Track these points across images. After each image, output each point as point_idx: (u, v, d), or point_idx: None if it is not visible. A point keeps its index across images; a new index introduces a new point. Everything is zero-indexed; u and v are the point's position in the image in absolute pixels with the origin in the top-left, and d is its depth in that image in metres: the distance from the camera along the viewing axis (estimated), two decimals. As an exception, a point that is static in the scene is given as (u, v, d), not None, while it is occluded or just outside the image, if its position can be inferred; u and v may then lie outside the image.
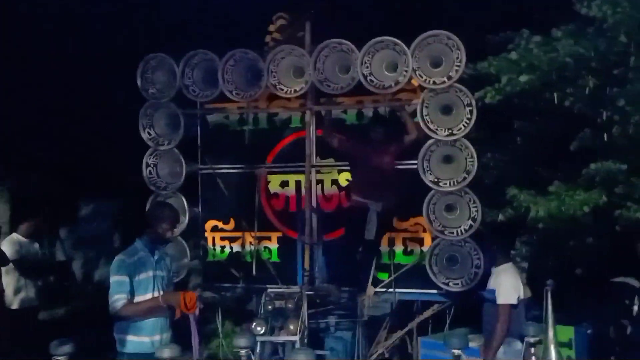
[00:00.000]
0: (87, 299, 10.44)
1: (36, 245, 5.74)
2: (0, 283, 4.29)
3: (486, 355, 3.95)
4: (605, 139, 4.65)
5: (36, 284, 5.53)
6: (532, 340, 3.59)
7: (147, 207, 5.28)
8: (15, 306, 5.19)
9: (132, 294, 3.59)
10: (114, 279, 3.61)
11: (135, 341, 3.57)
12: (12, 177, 9.76)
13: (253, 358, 3.46)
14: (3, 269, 4.82)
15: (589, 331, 6.42)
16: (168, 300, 3.66)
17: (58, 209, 10.36)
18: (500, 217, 5.59)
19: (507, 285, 3.96)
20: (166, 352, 3.11)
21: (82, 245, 11.53)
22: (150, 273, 3.68)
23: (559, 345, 6.13)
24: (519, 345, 3.80)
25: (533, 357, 3.56)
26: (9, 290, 5.12)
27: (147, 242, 3.76)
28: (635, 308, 4.18)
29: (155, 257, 3.75)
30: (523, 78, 4.09)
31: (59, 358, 3.14)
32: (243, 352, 3.39)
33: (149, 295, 3.64)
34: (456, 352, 3.34)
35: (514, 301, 3.93)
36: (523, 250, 6.32)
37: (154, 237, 3.78)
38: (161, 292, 3.73)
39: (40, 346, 3.36)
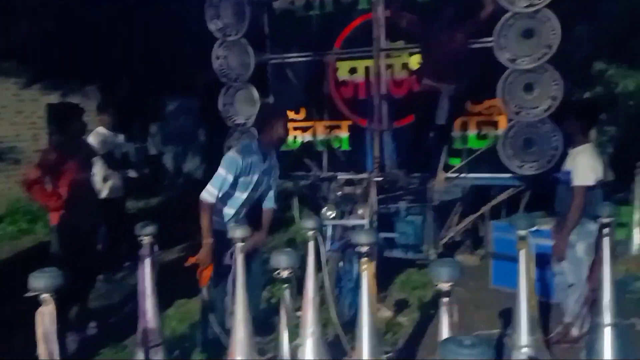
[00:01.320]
0: (177, 189, 11.26)
1: (120, 137, 6.02)
2: (89, 172, 4.61)
3: (559, 237, 3.86)
4: None
5: (122, 174, 5.89)
6: (606, 220, 3.44)
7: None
8: (103, 195, 5.62)
9: (232, 189, 3.73)
10: (220, 172, 3.71)
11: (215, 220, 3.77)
12: (101, 77, 10.28)
13: (321, 240, 3.60)
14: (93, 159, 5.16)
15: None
16: (202, 249, 3.66)
17: (144, 107, 10.89)
18: (587, 94, 5.21)
19: (585, 166, 3.75)
20: (238, 232, 3.30)
21: (171, 140, 12.19)
22: (256, 177, 3.81)
23: (645, 228, 5.96)
24: (592, 226, 3.66)
25: (606, 238, 3.44)
26: (97, 180, 5.50)
27: (260, 146, 3.83)
28: None
29: (266, 165, 3.85)
30: None
31: (144, 238, 3.43)
32: (310, 233, 3.53)
33: (245, 195, 3.79)
34: (522, 232, 3.30)
35: (591, 182, 3.73)
36: (611, 131, 5.89)
37: (266, 142, 3.83)
38: (258, 192, 3.88)
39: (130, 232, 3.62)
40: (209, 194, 3.70)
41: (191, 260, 3.68)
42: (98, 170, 5.53)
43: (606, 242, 3.41)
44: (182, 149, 12.46)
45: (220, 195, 3.71)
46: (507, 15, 4.63)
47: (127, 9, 8.28)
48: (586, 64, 5.00)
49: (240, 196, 3.83)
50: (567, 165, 3.89)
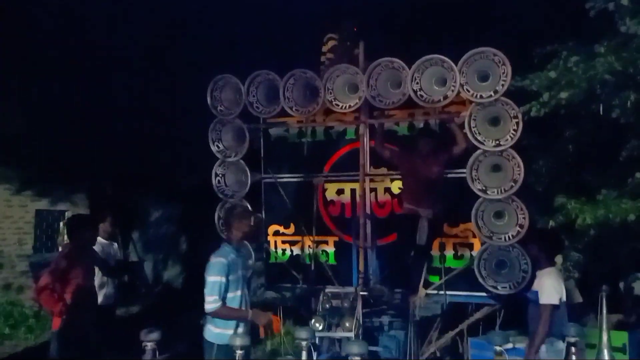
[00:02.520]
0: (155, 297, 11.26)
1: (115, 246, 6.35)
2: (93, 280, 4.87)
3: (529, 354, 4.19)
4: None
5: (115, 282, 6.12)
6: (572, 340, 3.81)
7: (224, 213, 5.74)
8: (99, 303, 5.80)
9: (226, 291, 4.03)
10: (211, 279, 3.99)
11: (218, 332, 4.04)
12: (91, 184, 10.68)
13: (313, 350, 3.88)
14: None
15: (643, 336, 6.46)
16: (256, 319, 4.08)
17: (128, 214, 11.21)
18: (551, 223, 5.77)
19: (549, 287, 4.19)
20: (238, 340, 3.58)
21: (152, 247, 12.36)
22: (240, 273, 4.16)
23: (613, 349, 6.30)
24: (560, 345, 4.02)
25: (574, 357, 3.78)
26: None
27: (231, 245, 4.21)
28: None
29: (241, 259, 4.23)
30: (563, 95, 4.31)
31: (148, 344, 3.65)
32: (304, 343, 3.80)
33: (238, 293, 4.10)
34: (498, 348, 3.64)
35: (556, 302, 4.16)
36: (575, 256, 6.42)
37: (237, 240, 4.23)
38: (245, 291, 4.20)
39: (120, 339, 3.84)
40: (212, 302, 3.97)
41: (263, 332, 4.07)
42: (95, 278, 5.77)
43: (573, 361, 3.75)
44: (163, 257, 12.59)
45: (220, 299, 3.98)
46: (478, 152, 5.29)
47: (120, 113, 8.78)
48: (551, 195, 5.61)
49: (236, 295, 4.11)
50: (535, 286, 4.34)
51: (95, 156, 9.48)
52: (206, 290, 4.01)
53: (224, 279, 4.00)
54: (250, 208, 6.18)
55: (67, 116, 8.74)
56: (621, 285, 6.98)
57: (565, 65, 4.36)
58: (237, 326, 4.09)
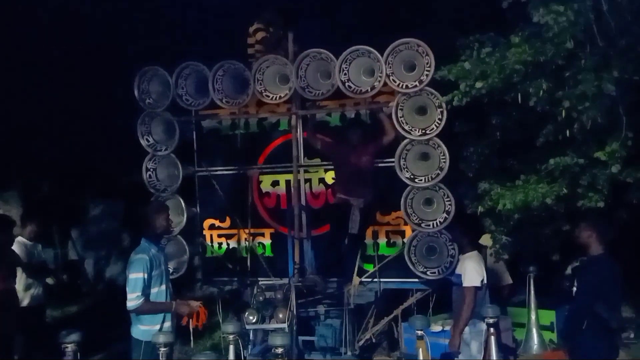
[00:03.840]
0: (98, 295, 10.98)
1: (39, 247, 6.16)
2: (14, 282, 4.71)
3: (454, 334, 4.35)
4: (568, 134, 4.97)
5: (42, 283, 5.96)
6: (491, 320, 3.99)
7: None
8: (25, 304, 5.63)
9: (148, 287, 4.01)
10: (133, 276, 3.96)
11: (144, 329, 4.00)
12: (23, 182, 10.26)
13: (241, 343, 3.88)
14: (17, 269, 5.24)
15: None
16: (180, 310, 4.09)
17: (66, 212, 10.85)
18: (480, 208, 5.96)
19: (471, 270, 4.37)
20: (162, 338, 3.55)
21: (93, 245, 12.02)
22: (162, 267, 4.13)
23: (541, 328, 6.60)
24: (482, 325, 4.19)
25: (492, 336, 3.96)
26: (19, 289, 5.54)
27: (151, 240, 4.17)
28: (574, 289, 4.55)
29: (162, 253, 4.22)
30: (478, 85, 4.44)
31: (68, 346, 3.57)
32: (231, 337, 3.81)
33: (163, 287, 4.09)
34: (419, 332, 3.76)
35: (477, 284, 4.34)
36: (503, 239, 6.66)
37: (154, 235, 4.19)
38: (169, 285, 4.18)
39: (50, 339, 3.76)
40: (134, 299, 3.94)
41: (186, 321, 4.10)
42: (19, 279, 5.59)
43: (492, 340, 3.93)
44: (105, 254, 12.27)
45: (142, 295, 3.95)
46: (405, 141, 5.40)
47: (57, 115, 8.51)
48: (480, 182, 5.78)
49: (160, 289, 4.09)
50: (458, 270, 4.50)
51: (28, 153, 9.12)
52: (128, 288, 3.99)
53: (146, 276, 3.98)
54: (184, 205, 6.13)
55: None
56: (549, 266, 7.29)
57: (478, 56, 4.49)
58: (163, 321, 4.06)
